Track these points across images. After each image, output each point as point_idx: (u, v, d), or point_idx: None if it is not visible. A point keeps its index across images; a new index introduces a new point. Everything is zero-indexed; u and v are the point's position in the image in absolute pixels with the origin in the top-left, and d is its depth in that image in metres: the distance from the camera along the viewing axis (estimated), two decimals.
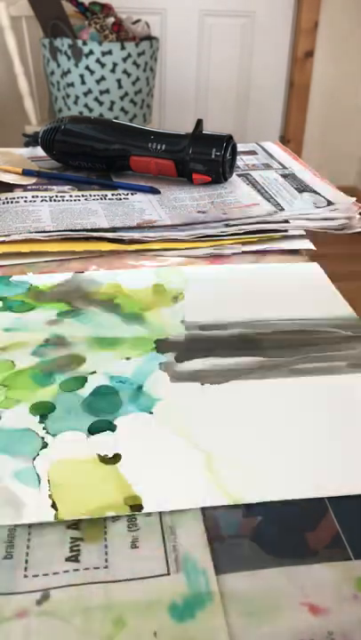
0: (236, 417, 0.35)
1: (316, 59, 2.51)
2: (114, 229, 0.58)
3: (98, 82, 1.87)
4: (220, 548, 0.27)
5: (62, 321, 0.44)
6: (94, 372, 0.38)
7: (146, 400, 0.36)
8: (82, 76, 1.87)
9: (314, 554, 0.27)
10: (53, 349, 0.41)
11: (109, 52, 1.83)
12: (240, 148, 0.83)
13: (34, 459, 0.31)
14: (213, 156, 0.66)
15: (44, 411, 0.35)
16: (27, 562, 0.26)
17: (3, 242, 0.55)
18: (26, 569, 0.26)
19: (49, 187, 0.68)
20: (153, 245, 0.56)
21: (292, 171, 0.74)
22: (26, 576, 0.26)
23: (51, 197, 0.65)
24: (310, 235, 0.59)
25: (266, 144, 0.85)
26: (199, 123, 0.68)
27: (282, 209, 0.62)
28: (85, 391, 0.37)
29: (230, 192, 0.67)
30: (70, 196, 0.66)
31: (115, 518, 0.28)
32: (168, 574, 0.26)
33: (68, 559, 0.26)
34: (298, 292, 0.49)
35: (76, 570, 0.26)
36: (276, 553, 0.27)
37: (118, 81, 1.88)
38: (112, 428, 0.34)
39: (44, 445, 0.32)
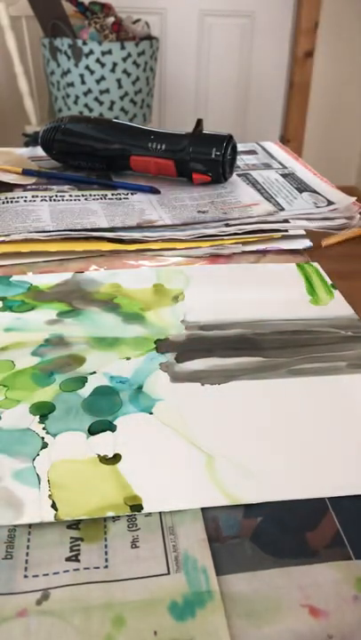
0: (236, 417, 0.35)
1: (316, 59, 2.51)
2: (114, 229, 0.58)
3: (98, 82, 1.87)
4: (220, 549, 0.27)
5: (62, 321, 0.44)
6: (94, 372, 0.38)
7: (146, 400, 0.36)
8: (82, 76, 1.87)
9: (314, 554, 0.27)
10: (53, 349, 0.41)
11: (109, 52, 1.83)
12: (240, 147, 0.83)
13: (34, 459, 0.31)
14: (213, 156, 0.66)
15: (44, 411, 0.35)
16: (27, 562, 0.26)
17: (3, 242, 0.55)
18: (26, 569, 0.26)
19: (49, 186, 0.68)
20: (153, 245, 0.56)
21: (292, 170, 0.74)
22: (26, 576, 0.26)
23: (50, 197, 0.65)
24: (310, 235, 0.59)
25: (266, 144, 0.85)
26: (199, 122, 0.68)
27: (282, 209, 0.62)
28: (85, 391, 0.37)
29: (230, 192, 0.67)
30: (70, 195, 0.66)
31: (115, 518, 0.28)
32: (168, 574, 0.26)
33: (68, 559, 0.26)
34: (297, 291, 0.49)
35: (76, 570, 0.26)
36: (276, 553, 0.27)
37: (118, 81, 1.88)
38: (112, 428, 0.34)
39: (44, 445, 0.32)
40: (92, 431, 0.33)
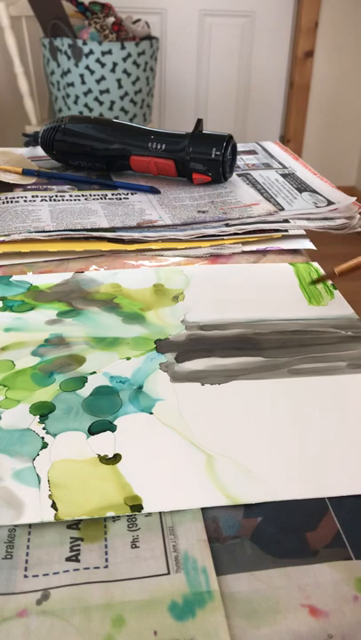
0: (236, 417, 0.35)
1: (316, 59, 2.51)
2: (114, 229, 0.58)
3: (98, 81, 1.87)
4: (220, 549, 0.27)
5: (62, 321, 0.44)
6: (94, 372, 0.38)
7: (146, 400, 0.36)
8: (82, 76, 1.87)
9: (314, 554, 0.27)
10: (53, 349, 0.41)
11: (109, 52, 1.83)
12: (240, 147, 0.83)
13: (34, 459, 0.31)
14: (213, 156, 0.66)
15: (43, 411, 0.35)
16: (27, 562, 0.26)
17: (3, 242, 0.55)
18: (26, 569, 0.26)
19: (49, 186, 0.68)
20: (153, 245, 0.56)
21: (292, 170, 0.74)
22: (26, 576, 0.26)
23: (50, 197, 0.65)
24: (310, 235, 0.59)
25: (266, 144, 0.85)
26: (199, 122, 0.68)
27: (282, 208, 0.62)
28: (85, 391, 0.37)
29: (230, 192, 0.67)
30: (70, 195, 0.66)
31: (115, 518, 0.28)
32: (168, 574, 0.26)
33: (68, 559, 0.26)
34: (298, 291, 0.49)
35: (76, 570, 0.26)
36: (276, 553, 0.27)
37: (118, 81, 1.88)
38: (112, 428, 0.34)
39: (44, 445, 0.32)
40: (92, 431, 0.33)
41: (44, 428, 0.33)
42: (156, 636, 0.23)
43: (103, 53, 1.83)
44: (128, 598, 0.25)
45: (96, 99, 1.90)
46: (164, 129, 0.70)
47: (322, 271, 0.52)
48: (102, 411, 0.35)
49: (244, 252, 0.56)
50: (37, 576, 0.26)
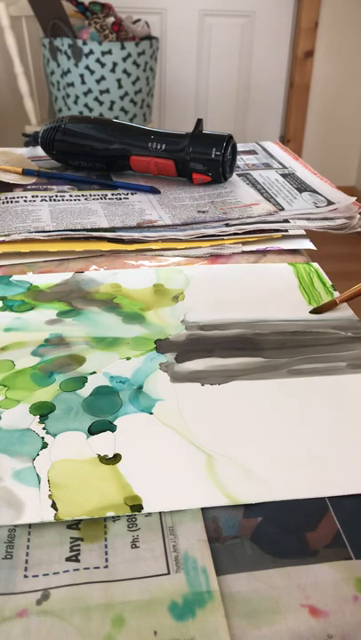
0: (236, 417, 0.35)
1: (316, 59, 2.51)
2: (114, 229, 0.58)
3: (98, 81, 1.87)
4: (220, 549, 0.27)
5: (62, 321, 0.44)
6: (94, 372, 0.38)
7: (146, 400, 0.36)
8: (82, 76, 1.87)
9: (314, 554, 0.27)
10: (53, 349, 0.41)
11: (109, 52, 1.83)
12: (240, 147, 0.83)
13: (34, 459, 0.31)
14: (213, 156, 0.66)
15: (43, 411, 0.35)
16: (27, 562, 0.26)
17: (3, 242, 0.55)
18: (26, 569, 0.26)
19: (49, 186, 0.68)
20: (153, 245, 0.56)
21: (292, 170, 0.74)
22: (26, 576, 0.26)
23: (50, 197, 0.65)
24: (310, 235, 0.59)
25: (266, 144, 0.85)
26: (199, 122, 0.68)
27: (282, 208, 0.62)
28: (85, 391, 0.37)
29: (230, 192, 0.67)
30: (70, 195, 0.66)
31: (115, 518, 0.28)
32: (168, 574, 0.26)
33: (68, 559, 0.26)
34: (298, 292, 0.49)
35: (76, 570, 0.26)
36: (276, 553, 0.27)
37: (118, 81, 1.88)
38: (112, 428, 0.34)
39: (44, 445, 0.32)
40: (92, 431, 0.33)
41: (44, 428, 0.33)
42: (156, 636, 0.23)
43: (103, 53, 1.83)
44: (128, 598, 0.25)
45: (96, 99, 1.90)
46: (164, 129, 0.70)
47: (322, 271, 0.52)
48: (102, 411, 0.35)
49: (244, 252, 0.56)
50: (37, 576, 0.26)
